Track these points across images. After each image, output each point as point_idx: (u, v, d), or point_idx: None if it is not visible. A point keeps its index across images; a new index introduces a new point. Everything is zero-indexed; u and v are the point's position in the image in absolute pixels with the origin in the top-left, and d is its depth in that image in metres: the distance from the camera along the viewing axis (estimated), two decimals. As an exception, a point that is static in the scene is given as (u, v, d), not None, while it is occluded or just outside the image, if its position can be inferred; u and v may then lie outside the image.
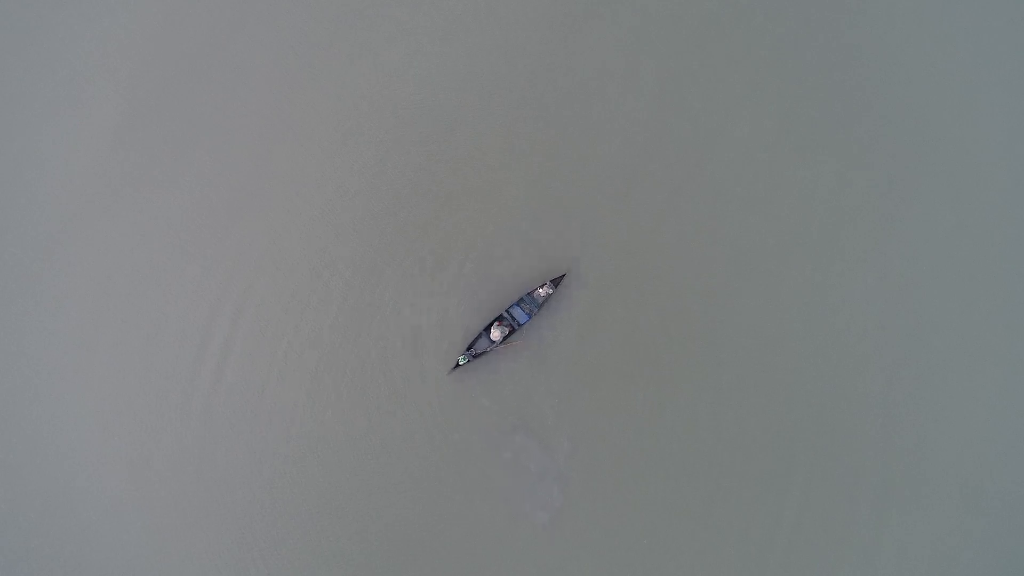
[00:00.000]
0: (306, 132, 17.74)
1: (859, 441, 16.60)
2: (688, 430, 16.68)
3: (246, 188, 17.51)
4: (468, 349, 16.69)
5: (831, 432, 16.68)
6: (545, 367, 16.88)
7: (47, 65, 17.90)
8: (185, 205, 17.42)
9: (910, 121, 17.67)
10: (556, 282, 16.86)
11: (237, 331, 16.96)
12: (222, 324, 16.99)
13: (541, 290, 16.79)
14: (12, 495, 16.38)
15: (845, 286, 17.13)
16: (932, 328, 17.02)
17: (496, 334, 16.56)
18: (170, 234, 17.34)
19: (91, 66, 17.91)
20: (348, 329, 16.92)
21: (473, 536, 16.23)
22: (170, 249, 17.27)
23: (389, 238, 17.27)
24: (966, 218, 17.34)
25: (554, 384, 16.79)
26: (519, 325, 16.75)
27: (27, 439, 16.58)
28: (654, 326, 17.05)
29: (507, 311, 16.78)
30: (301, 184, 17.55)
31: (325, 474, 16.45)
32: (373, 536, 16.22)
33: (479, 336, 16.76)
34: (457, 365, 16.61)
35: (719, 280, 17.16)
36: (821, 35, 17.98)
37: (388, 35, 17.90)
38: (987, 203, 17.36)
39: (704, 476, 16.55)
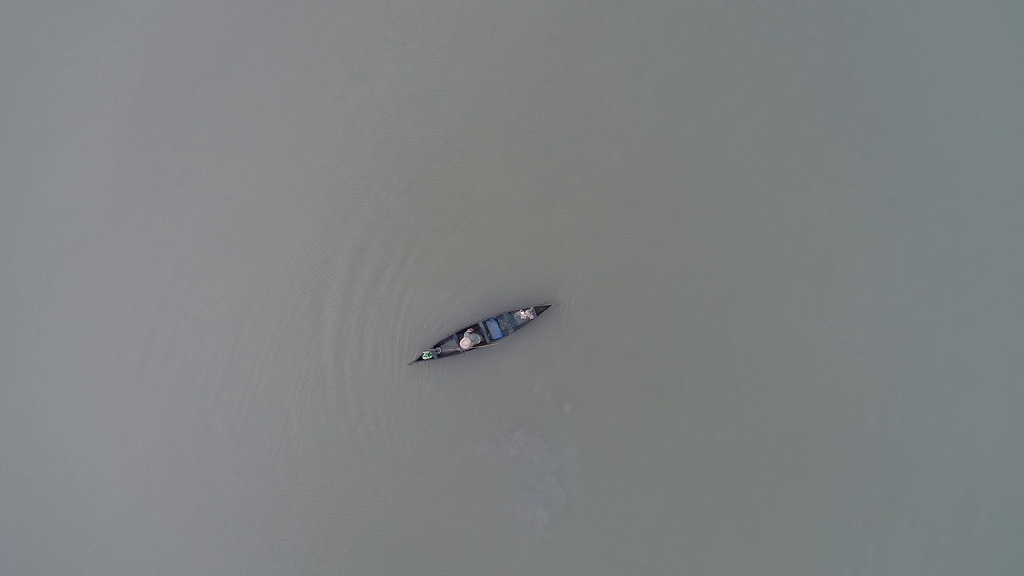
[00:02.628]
0: (307, 149, 17.67)
1: (858, 458, 16.95)
2: (687, 447, 16.97)
3: (251, 205, 17.39)
4: (435, 347, 16.77)
5: (829, 449, 16.97)
6: (548, 386, 17.06)
7: (51, 86, 17.86)
8: (188, 227, 17.37)
9: (908, 143, 17.48)
10: (540, 310, 16.80)
11: (240, 342, 17.15)
12: (225, 341, 17.15)
13: (523, 313, 16.74)
14: (15, 505, 16.70)
15: (843, 305, 17.23)
16: (930, 346, 17.18)
17: (466, 342, 16.58)
18: (175, 254, 17.33)
19: (95, 86, 17.89)
20: (348, 332, 17.10)
21: (472, 538, 16.64)
22: (175, 268, 17.29)
23: (389, 257, 17.32)
24: (962, 239, 17.38)
25: (556, 401, 17.02)
26: (491, 339, 16.78)
27: (32, 453, 16.89)
28: (652, 345, 17.12)
29: (483, 322, 16.80)
30: (302, 196, 17.44)
31: (326, 476, 16.85)
32: (373, 536, 16.68)
33: (449, 338, 16.81)
34: (420, 359, 16.73)
35: (718, 297, 17.19)
36: (819, 57, 17.66)
37: (390, 57, 17.66)
38: (984, 223, 17.37)
39: (703, 493, 16.87)
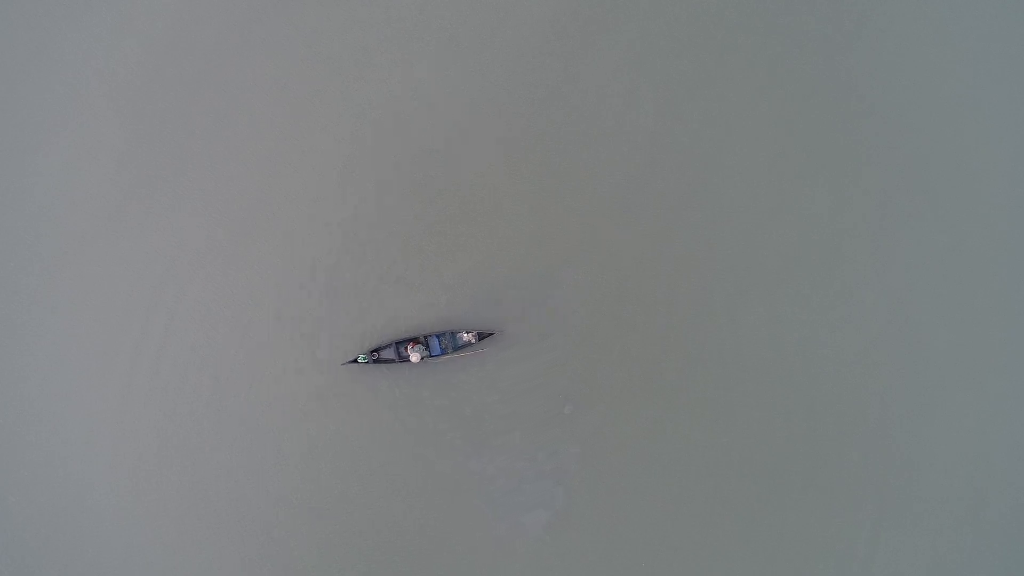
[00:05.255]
0: (305, 150, 17.67)
1: (860, 460, 17.10)
2: (688, 448, 17.04)
3: (246, 206, 17.40)
4: (372, 351, 16.80)
5: (832, 451, 17.11)
6: (547, 386, 17.12)
7: (50, 86, 17.85)
8: (185, 228, 17.38)
9: (910, 143, 17.53)
10: (482, 336, 16.82)
11: (242, 347, 17.26)
12: (218, 342, 17.24)
13: (466, 335, 16.76)
14: (11, 506, 16.92)
15: (845, 305, 17.27)
16: (932, 347, 17.30)
17: (415, 356, 16.56)
18: (171, 255, 17.35)
19: (94, 86, 17.87)
20: (341, 333, 17.20)
21: (470, 540, 16.83)
22: (170, 269, 17.32)
23: (386, 259, 17.34)
24: (965, 239, 17.58)
25: (556, 402, 17.08)
26: (430, 356, 16.82)
27: (29, 454, 17.09)
28: (652, 348, 17.15)
29: (425, 336, 16.84)
30: (300, 197, 17.47)
31: (317, 478, 17.02)
32: (368, 538, 16.87)
33: (388, 345, 16.84)
34: (355, 361, 16.76)
35: (719, 299, 17.25)
36: (820, 57, 17.61)
37: (388, 58, 17.59)
38: (986, 223, 17.55)
39: (703, 495, 16.93)
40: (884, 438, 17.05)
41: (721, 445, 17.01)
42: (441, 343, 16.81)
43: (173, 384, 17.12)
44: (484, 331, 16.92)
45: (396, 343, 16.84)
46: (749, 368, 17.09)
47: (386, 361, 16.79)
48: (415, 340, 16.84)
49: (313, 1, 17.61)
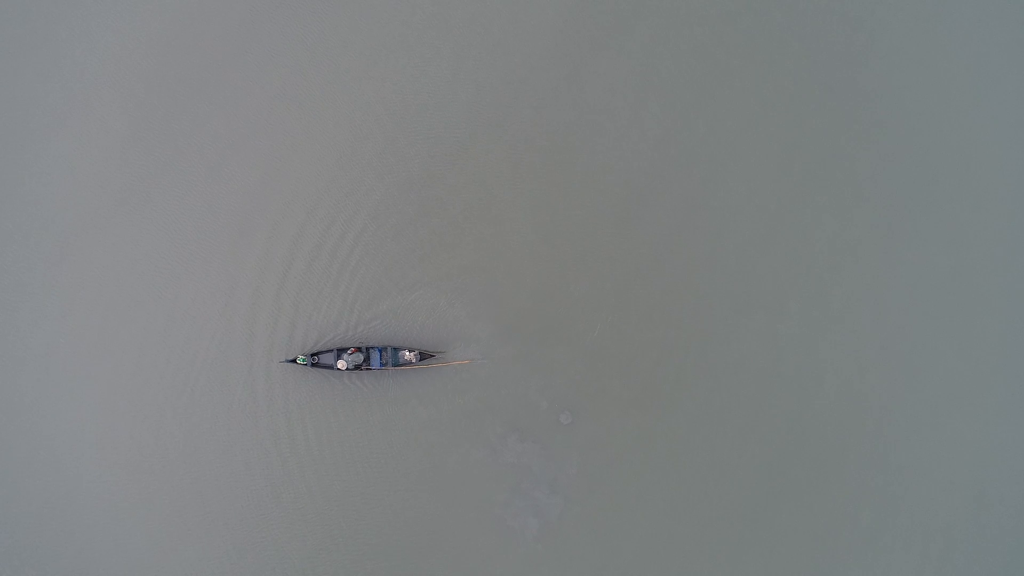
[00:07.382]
0: (309, 149, 17.69)
1: (857, 471, 17.17)
2: (686, 458, 17.02)
3: (251, 209, 17.52)
4: (313, 355, 16.71)
5: (829, 463, 17.14)
6: (545, 393, 17.07)
7: (50, 87, 17.86)
8: (186, 225, 17.44)
9: (912, 160, 17.68)
10: (424, 356, 16.67)
11: (241, 347, 17.26)
12: (215, 338, 17.27)
13: (407, 353, 16.63)
14: (14, 502, 17.03)
15: (844, 319, 17.30)
16: (928, 361, 17.46)
17: (342, 363, 16.49)
18: (176, 245, 17.42)
19: (99, 82, 17.90)
20: (345, 337, 17.12)
21: (466, 545, 16.77)
22: (175, 260, 17.37)
23: (392, 268, 17.35)
24: (964, 259, 17.54)
25: (553, 410, 17.02)
26: (368, 367, 16.71)
27: (32, 454, 17.20)
28: (652, 360, 17.10)
29: (367, 348, 16.71)
30: (303, 195, 17.54)
31: (316, 477, 16.98)
32: (374, 538, 16.85)
33: (329, 351, 16.75)
34: (293, 361, 16.68)
35: (719, 310, 17.24)
36: (825, 72, 17.57)
37: (397, 62, 17.49)
38: (984, 239, 17.53)
39: (702, 502, 16.89)
40: (883, 441, 16.98)
41: (722, 459, 16.86)
42: (382, 357, 16.68)
43: (173, 384, 17.09)
44: (427, 351, 16.74)
45: (337, 349, 16.77)
46: (750, 383, 16.91)
47: (324, 366, 16.71)
48: (356, 349, 16.75)
49: (314, 1, 17.62)
